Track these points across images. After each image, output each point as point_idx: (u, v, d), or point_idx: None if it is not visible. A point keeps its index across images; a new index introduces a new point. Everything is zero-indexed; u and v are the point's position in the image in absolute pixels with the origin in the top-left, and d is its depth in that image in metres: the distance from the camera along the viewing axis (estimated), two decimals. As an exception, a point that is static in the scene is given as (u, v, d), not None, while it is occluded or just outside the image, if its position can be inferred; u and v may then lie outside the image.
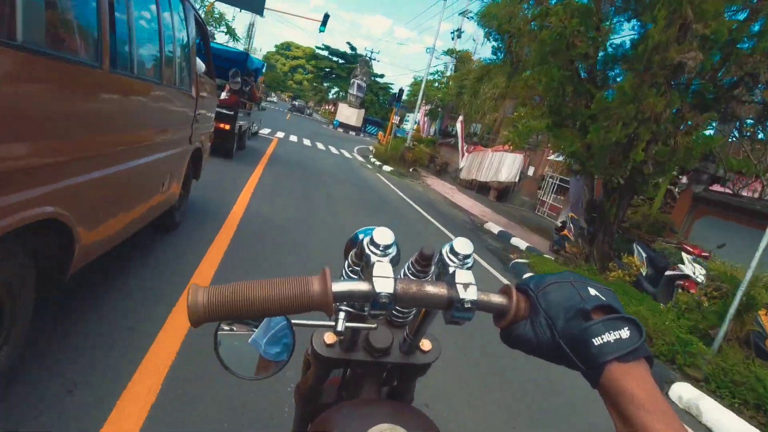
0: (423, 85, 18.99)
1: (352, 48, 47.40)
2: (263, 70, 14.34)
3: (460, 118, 16.17)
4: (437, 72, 25.55)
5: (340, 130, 37.02)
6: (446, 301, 0.47)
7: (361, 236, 0.60)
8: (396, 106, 23.04)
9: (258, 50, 48.56)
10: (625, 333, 0.41)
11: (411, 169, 16.30)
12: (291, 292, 0.44)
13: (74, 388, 1.66)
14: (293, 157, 11.91)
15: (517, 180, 14.61)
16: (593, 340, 0.41)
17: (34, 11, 1.25)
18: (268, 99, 73.53)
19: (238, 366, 0.61)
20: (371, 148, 24.30)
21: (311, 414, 0.76)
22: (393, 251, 0.50)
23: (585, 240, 6.72)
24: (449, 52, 24.49)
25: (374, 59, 45.51)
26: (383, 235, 0.50)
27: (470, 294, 0.47)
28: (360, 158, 17.92)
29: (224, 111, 7.06)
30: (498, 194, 15.06)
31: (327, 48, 47.02)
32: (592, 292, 0.45)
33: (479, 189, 15.64)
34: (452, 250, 0.50)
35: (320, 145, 18.23)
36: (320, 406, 0.74)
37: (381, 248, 0.49)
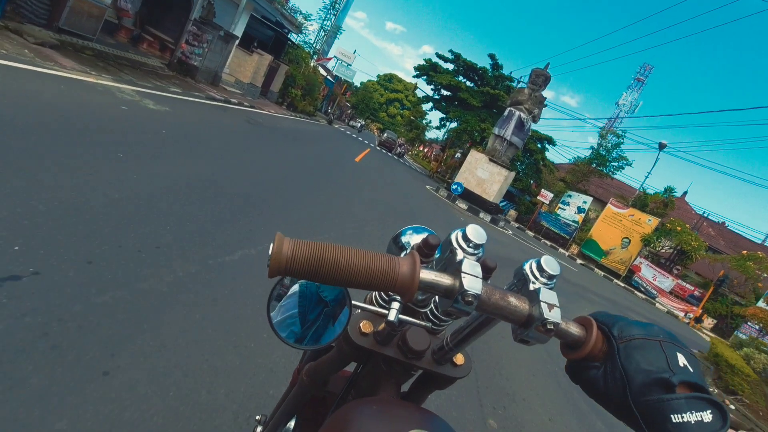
0: None
1: (496, 65, 28.33)
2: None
3: None
4: None
5: (463, 205, 17.26)
6: (525, 318, 0.45)
7: (409, 233, 0.64)
8: None
9: (342, 31, 31.46)
10: (707, 416, 0.38)
11: None
12: (377, 267, 0.43)
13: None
14: None
15: None
16: (672, 416, 0.38)
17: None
18: (351, 123, 58.35)
19: (282, 327, 0.60)
20: None
21: (310, 400, 0.76)
22: (481, 253, 0.48)
23: None
24: None
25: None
26: (477, 232, 0.48)
27: (554, 316, 0.44)
28: None
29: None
30: None
31: (454, 58, 28.46)
32: (681, 361, 0.42)
33: None
34: (539, 267, 0.47)
35: None
36: (326, 394, 0.74)
37: (472, 245, 0.47)
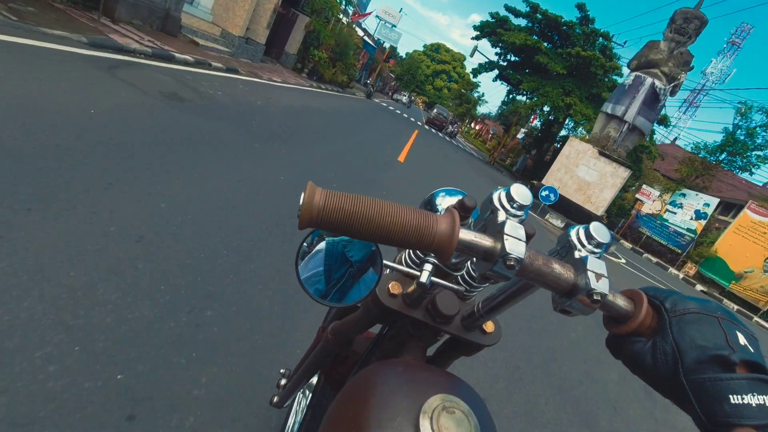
0: None
1: (585, 18, 21.36)
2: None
3: None
4: None
5: (557, 221, 11.53)
6: (569, 287, 0.43)
7: (441, 195, 0.63)
8: None
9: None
10: None
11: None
12: (414, 223, 0.41)
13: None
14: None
15: None
16: (730, 396, 0.36)
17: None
18: (395, 96, 52.17)
19: (308, 283, 0.59)
20: None
21: (333, 359, 0.78)
22: (525, 215, 0.45)
23: None
24: None
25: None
26: (522, 192, 0.44)
27: (602, 286, 0.41)
28: None
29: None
30: None
31: (530, 10, 21.76)
32: (741, 339, 0.39)
33: None
34: (587, 234, 0.44)
35: None
36: (349, 353, 0.75)
37: (516, 206, 0.44)
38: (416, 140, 13.57)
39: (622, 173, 11.93)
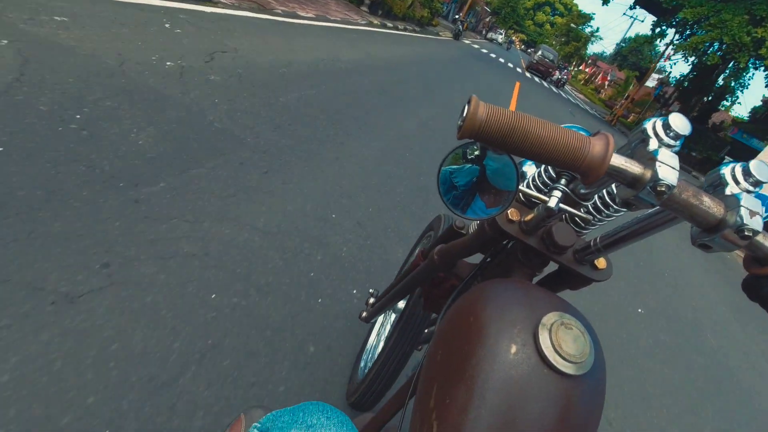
0: None
1: None
2: None
3: None
4: None
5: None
6: (717, 222, 0.42)
7: None
8: None
9: None
10: None
11: None
12: (569, 143, 0.42)
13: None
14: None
15: None
16: None
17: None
18: (490, 35, 44.70)
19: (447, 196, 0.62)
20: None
21: (429, 282, 0.84)
22: (679, 147, 0.44)
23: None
24: None
25: None
26: (681, 122, 0.43)
27: (755, 224, 0.40)
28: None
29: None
30: None
31: None
32: None
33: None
34: (745, 171, 0.43)
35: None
36: (451, 276, 0.80)
37: (672, 135, 0.43)
38: (517, 104, 9.04)
39: None
